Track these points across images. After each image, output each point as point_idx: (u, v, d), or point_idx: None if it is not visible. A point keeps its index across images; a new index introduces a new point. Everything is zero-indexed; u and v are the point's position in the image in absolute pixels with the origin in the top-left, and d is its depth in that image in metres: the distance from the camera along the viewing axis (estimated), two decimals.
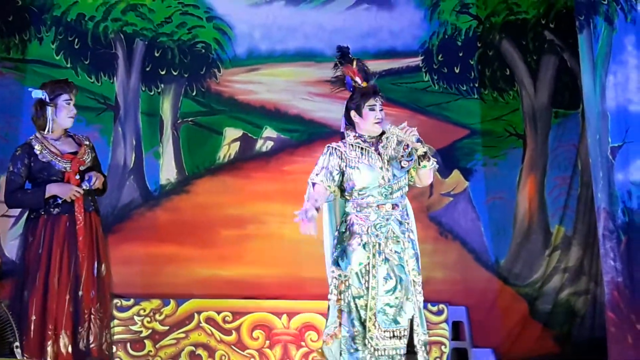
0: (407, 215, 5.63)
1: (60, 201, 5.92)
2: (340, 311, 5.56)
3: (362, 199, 5.52)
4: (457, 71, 8.82)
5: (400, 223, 5.53)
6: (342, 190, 5.64)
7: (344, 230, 5.60)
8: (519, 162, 8.76)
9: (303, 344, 8.08)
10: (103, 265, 6.04)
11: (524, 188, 8.73)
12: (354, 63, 5.73)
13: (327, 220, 5.74)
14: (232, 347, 8.08)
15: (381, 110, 5.57)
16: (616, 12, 7.36)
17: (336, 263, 5.55)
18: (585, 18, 7.51)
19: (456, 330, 8.18)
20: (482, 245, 8.63)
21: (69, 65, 8.51)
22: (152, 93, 8.62)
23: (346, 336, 5.50)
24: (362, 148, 5.56)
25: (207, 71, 8.69)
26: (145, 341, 8.00)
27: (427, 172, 5.58)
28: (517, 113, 8.82)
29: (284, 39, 8.80)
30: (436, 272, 8.28)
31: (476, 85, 8.86)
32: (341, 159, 5.56)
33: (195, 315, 8.09)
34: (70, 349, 5.82)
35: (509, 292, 8.57)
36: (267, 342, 8.10)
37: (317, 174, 5.62)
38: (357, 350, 5.47)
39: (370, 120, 5.56)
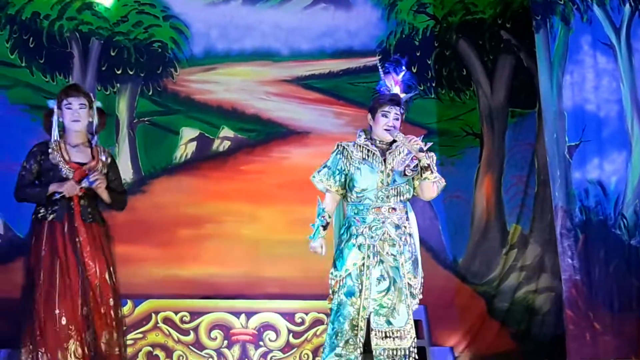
0: (407, 219, 5.63)
1: (55, 207, 5.92)
2: (331, 310, 5.58)
3: (360, 201, 5.55)
4: (414, 71, 8.76)
5: (398, 226, 5.54)
6: (345, 191, 5.66)
7: (343, 232, 5.63)
8: (476, 161, 8.82)
9: (261, 343, 8.07)
10: (110, 272, 6.05)
11: (481, 187, 8.78)
12: (401, 75, 5.73)
13: (335, 225, 5.76)
14: (190, 347, 8.04)
15: (396, 119, 5.55)
16: (572, 12, 7.44)
17: (334, 264, 5.59)
18: (542, 18, 7.57)
19: (414, 328, 8.19)
20: (440, 244, 8.68)
21: (23, 64, 8.41)
22: (108, 92, 8.55)
23: (330, 333, 5.52)
24: (368, 150, 5.58)
25: (164, 70, 8.64)
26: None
27: (428, 185, 5.53)
28: (474, 112, 8.88)
29: (241, 38, 8.78)
30: None
31: (433, 85, 8.90)
32: (347, 158, 5.59)
33: (153, 315, 8.05)
34: (87, 352, 5.84)
35: (467, 290, 8.62)
36: (226, 342, 8.07)
37: (318, 171, 5.66)
38: (337, 346, 5.49)
39: (380, 125, 5.56)
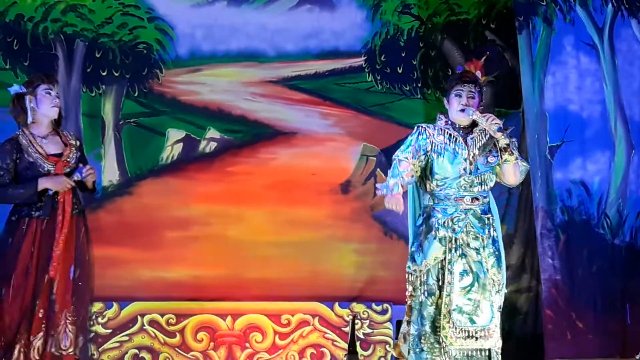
0: (490, 211, 5.44)
1: (40, 204, 5.77)
2: (410, 308, 5.44)
3: (441, 190, 5.34)
4: (399, 71, 8.83)
5: (480, 218, 5.36)
6: (422, 179, 5.47)
7: (420, 223, 5.45)
8: None
9: (247, 345, 8.08)
10: (81, 269, 5.91)
11: None
12: (483, 58, 5.64)
13: (410, 214, 5.61)
14: (176, 349, 8.05)
15: (471, 97, 5.34)
16: (555, 13, 7.46)
17: (412, 258, 5.41)
18: (524, 19, 7.59)
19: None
20: None
21: (8, 67, 8.38)
22: (93, 94, 8.53)
23: (414, 334, 5.36)
24: (450, 135, 5.40)
25: (149, 72, 8.61)
26: (88, 344, 7.94)
27: (510, 168, 5.36)
28: None
29: (226, 39, 8.75)
30: (381, 271, 8.31)
31: (419, 85, 8.88)
32: (429, 139, 5.41)
33: (139, 318, 8.05)
34: (41, 354, 5.74)
35: None
36: (212, 343, 8.08)
37: (402, 150, 5.43)
38: (422, 350, 5.31)
39: (454, 106, 5.38)
